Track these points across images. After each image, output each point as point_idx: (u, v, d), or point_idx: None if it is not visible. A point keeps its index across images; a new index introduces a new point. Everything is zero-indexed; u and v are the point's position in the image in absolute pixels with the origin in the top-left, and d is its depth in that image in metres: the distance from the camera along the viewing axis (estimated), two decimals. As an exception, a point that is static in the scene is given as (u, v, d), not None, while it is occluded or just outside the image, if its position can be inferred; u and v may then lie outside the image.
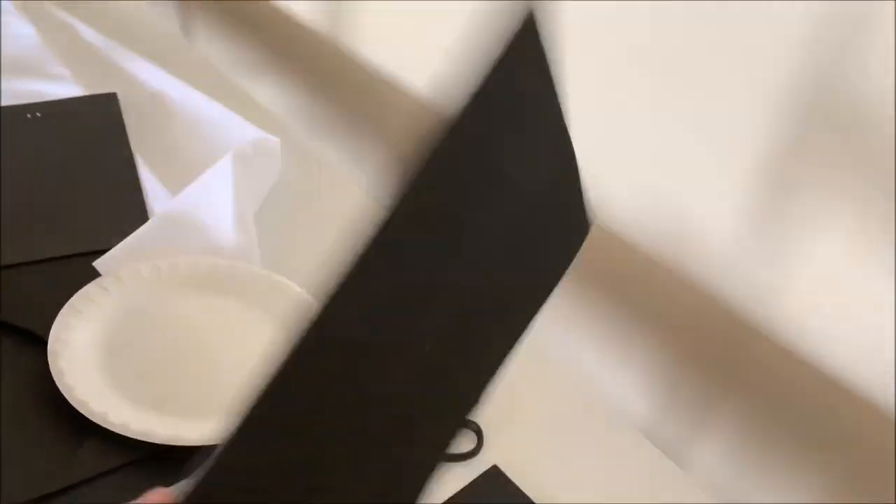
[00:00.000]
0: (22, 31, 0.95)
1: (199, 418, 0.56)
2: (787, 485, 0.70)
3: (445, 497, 0.57)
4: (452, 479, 0.58)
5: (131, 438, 0.54)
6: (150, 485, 0.53)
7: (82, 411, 0.55)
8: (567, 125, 0.38)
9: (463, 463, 0.59)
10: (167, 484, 0.53)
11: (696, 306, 0.73)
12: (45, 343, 0.59)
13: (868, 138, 0.58)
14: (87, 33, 0.97)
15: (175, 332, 0.64)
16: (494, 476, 0.59)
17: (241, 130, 0.82)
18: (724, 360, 0.74)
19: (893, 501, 0.62)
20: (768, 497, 0.72)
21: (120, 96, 0.88)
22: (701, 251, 0.72)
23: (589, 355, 0.84)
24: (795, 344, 0.67)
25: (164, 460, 0.55)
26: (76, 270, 0.66)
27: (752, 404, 0.73)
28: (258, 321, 0.65)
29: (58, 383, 0.56)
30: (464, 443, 0.60)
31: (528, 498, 0.58)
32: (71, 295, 0.62)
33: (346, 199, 0.84)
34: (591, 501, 0.59)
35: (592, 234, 0.81)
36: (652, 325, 0.79)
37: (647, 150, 0.74)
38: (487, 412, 0.47)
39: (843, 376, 0.64)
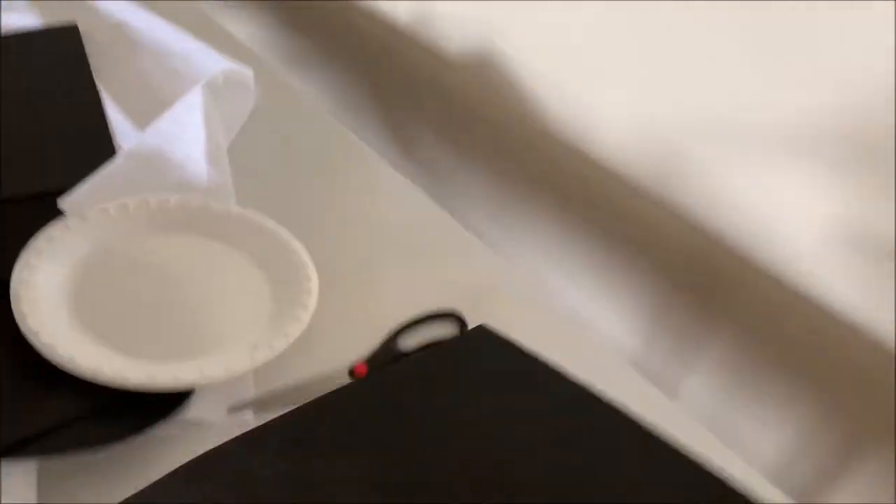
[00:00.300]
0: (-24, -39, 0.90)
1: (172, 361, 0.54)
2: (777, 414, 0.70)
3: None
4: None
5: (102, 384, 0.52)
6: (122, 431, 0.52)
7: (48, 356, 0.52)
8: None
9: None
10: (140, 429, 0.51)
11: (684, 236, 0.72)
12: (8, 285, 0.56)
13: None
14: (46, -38, 0.92)
15: (145, 273, 0.61)
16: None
17: (212, 61, 0.78)
18: (712, 289, 0.73)
19: (891, 428, 0.62)
20: (758, 425, 0.71)
21: (81, 27, 0.84)
22: (690, 181, 0.70)
23: (577, 286, 0.82)
24: (784, 272, 0.65)
25: (136, 405, 0.52)
26: (40, 210, 0.63)
27: (741, 333, 0.71)
28: (233, 260, 0.63)
29: (21, 327, 0.53)
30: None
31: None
32: (34, 235, 0.60)
33: (323, 131, 0.81)
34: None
35: (581, 165, 0.78)
36: (640, 255, 0.77)
37: (638, 78, 0.72)
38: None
39: (834, 305, 0.63)
